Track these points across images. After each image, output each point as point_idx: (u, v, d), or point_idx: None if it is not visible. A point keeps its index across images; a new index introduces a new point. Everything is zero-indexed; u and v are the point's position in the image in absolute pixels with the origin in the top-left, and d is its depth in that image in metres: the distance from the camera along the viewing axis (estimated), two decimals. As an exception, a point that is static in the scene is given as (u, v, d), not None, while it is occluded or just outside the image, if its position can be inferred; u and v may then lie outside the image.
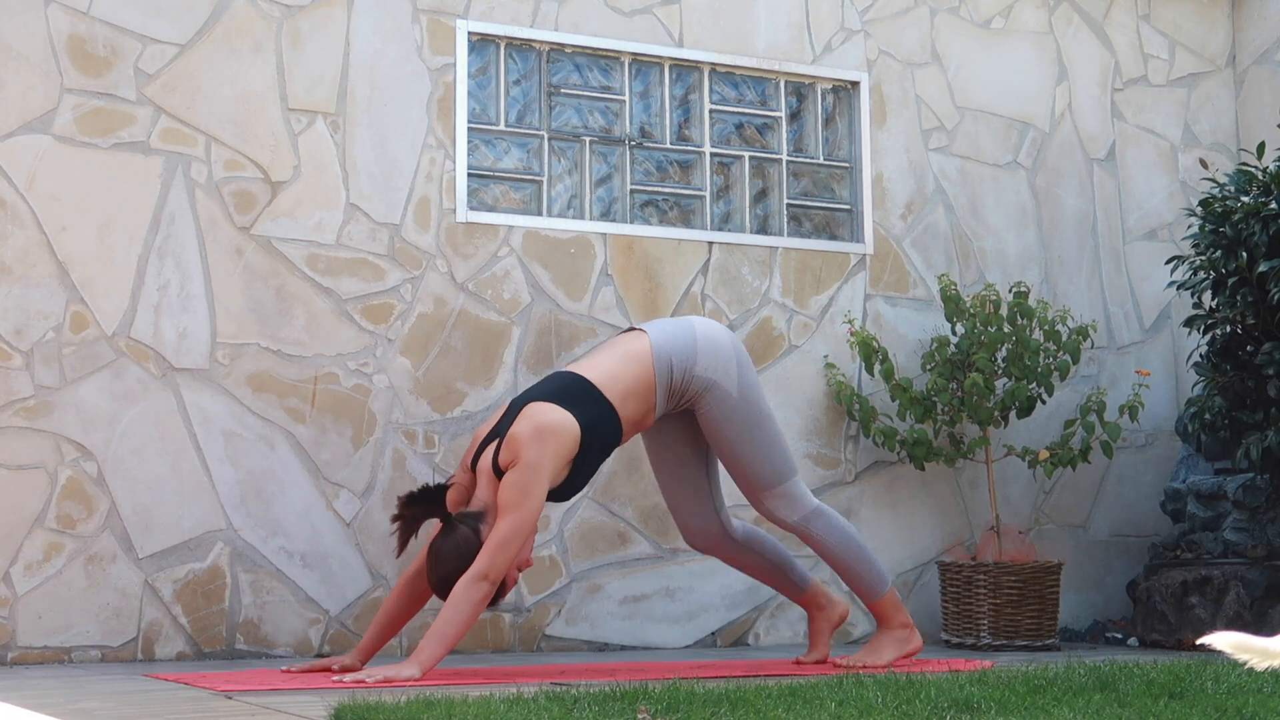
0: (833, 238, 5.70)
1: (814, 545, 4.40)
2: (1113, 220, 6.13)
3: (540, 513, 4.02)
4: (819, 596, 4.57)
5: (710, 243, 5.43)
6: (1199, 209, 5.43)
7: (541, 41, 5.29)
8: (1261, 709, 2.98)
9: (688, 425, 4.41)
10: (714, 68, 5.55)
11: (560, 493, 4.14)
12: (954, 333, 5.52)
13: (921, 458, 5.40)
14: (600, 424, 4.09)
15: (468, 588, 3.87)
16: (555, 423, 4.00)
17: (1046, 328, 5.46)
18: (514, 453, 3.98)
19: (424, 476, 4.94)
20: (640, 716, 2.81)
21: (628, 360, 4.20)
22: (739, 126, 5.60)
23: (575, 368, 4.23)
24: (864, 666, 4.21)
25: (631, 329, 4.36)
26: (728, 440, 4.28)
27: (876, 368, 5.41)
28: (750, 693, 3.20)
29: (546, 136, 5.28)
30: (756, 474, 4.32)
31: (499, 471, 4.02)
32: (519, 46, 5.29)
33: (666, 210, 5.46)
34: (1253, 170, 5.32)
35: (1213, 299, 5.36)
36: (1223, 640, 2.05)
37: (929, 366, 5.48)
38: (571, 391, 4.10)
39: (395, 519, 4.01)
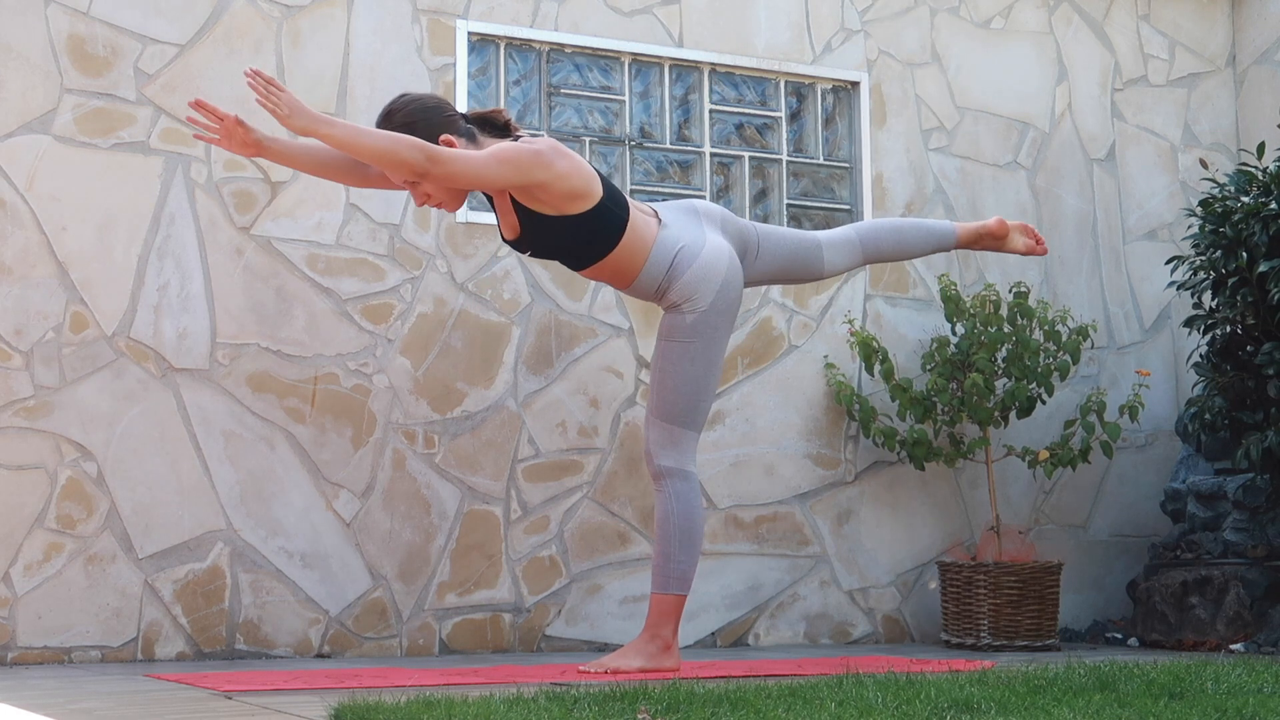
0: (833, 238, 5.69)
1: (662, 502, 4.15)
2: (1113, 220, 6.13)
3: (498, 182, 3.96)
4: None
5: (710, 243, 5.43)
6: (1199, 209, 5.43)
7: (541, 42, 5.29)
8: (1261, 709, 2.98)
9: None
10: (714, 68, 5.55)
11: (551, 228, 4.07)
12: (954, 333, 5.52)
13: (921, 458, 5.40)
14: (617, 205, 4.10)
15: (406, 141, 3.87)
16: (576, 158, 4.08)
17: (1046, 328, 5.46)
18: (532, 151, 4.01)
19: (424, 477, 4.94)
20: (640, 716, 2.81)
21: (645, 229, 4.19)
22: (739, 127, 5.61)
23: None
24: (611, 671, 3.97)
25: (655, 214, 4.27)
26: (670, 354, 4.17)
27: (876, 368, 5.42)
28: (750, 693, 3.20)
29: (546, 136, 5.28)
30: (669, 400, 4.15)
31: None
32: (519, 46, 5.29)
33: (666, 210, 5.46)
34: (1253, 170, 5.33)
35: (1213, 299, 5.36)
36: None
37: (929, 367, 5.48)
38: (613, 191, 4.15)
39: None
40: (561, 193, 4.01)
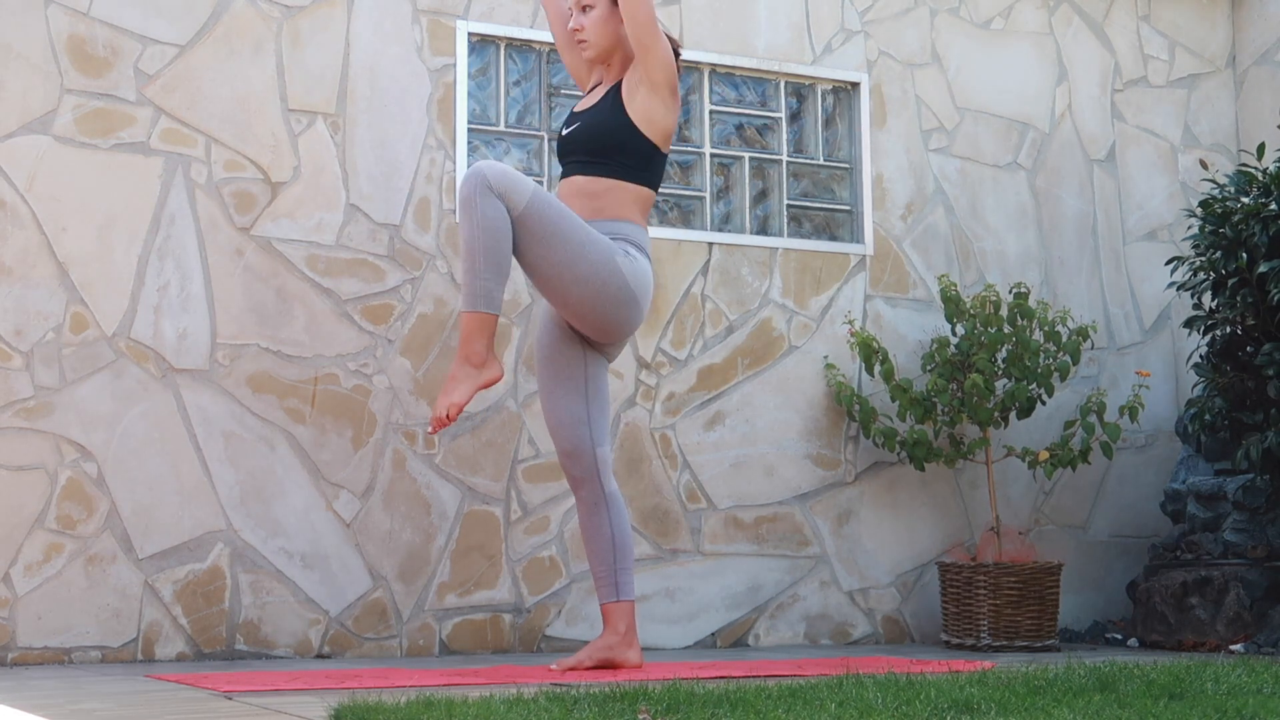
0: (833, 238, 5.70)
1: (601, 519, 4.24)
2: (1113, 221, 6.13)
3: (656, 43, 4.30)
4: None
5: (710, 243, 5.43)
6: (1199, 210, 5.43)
7: (541, 42, 5.28)
8: (1261, 709, 2.98)
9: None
10: (714, 68, 5.55)
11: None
12: (954, 333, 5.52)
13: (921, 458, 5.40)
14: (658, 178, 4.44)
15: None
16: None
17: (1046, 328, 5.46)
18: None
19: (424, 477, 4.94)
20: (640, 717, 2.81)
21: None
22: (739, 127, 5.60)
23: None
24: (568, 669, 4.07)
25: None
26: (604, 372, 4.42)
27: (876, 368, 5.42)
28: (750, 693, 3.20)
29: (547, 137, 5.28)
30: (606, 418, 4.36)
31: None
32: (519, 47, 5.29)
33: (666, 211, 5.46)
34: (1253, 171, 5.33)
35: (1213, 300, 5.36)
36: None
37: (929, 367, 5.48)
38: None
39: None
40: (663, 107, 4.30)
